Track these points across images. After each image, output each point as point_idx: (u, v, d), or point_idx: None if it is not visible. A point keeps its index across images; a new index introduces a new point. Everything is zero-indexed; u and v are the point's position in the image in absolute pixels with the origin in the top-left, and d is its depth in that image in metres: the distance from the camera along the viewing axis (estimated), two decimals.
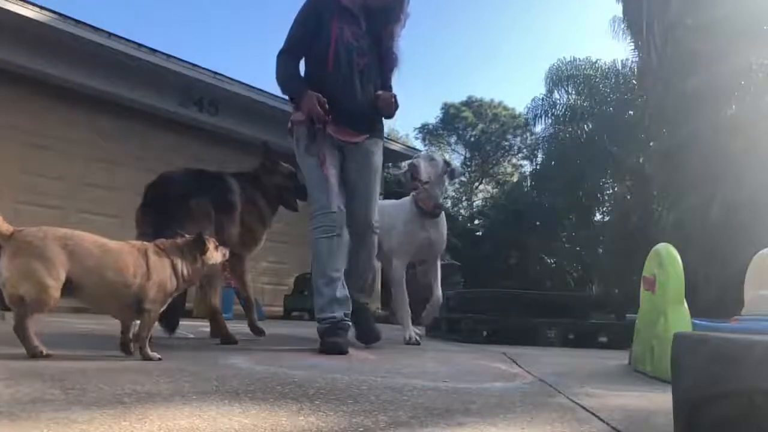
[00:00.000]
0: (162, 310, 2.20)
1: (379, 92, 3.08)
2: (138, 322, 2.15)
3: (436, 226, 3.91)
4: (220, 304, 3.26)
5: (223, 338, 3.18)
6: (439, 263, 4.08)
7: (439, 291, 4.01)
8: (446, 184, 4.02)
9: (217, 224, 3.28)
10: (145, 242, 2.20)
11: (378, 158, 3.16)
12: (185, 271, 2.19)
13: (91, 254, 1.98)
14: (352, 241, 3.07)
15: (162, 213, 2.79)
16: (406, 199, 4.00)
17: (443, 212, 4.05)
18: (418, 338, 3.67)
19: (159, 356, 2.08)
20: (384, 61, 3.16)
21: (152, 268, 2.08)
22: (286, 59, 3.05)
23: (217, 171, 3.56)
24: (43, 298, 1.87)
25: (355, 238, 3.10)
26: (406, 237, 3.89)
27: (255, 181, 3.54)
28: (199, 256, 2.23)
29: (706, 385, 1.02)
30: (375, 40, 3.11)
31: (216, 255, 2.32)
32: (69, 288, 1.96)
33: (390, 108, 3.11)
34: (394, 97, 3.10)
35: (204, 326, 3.63)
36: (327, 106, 2.88)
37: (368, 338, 3.13)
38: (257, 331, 3.52)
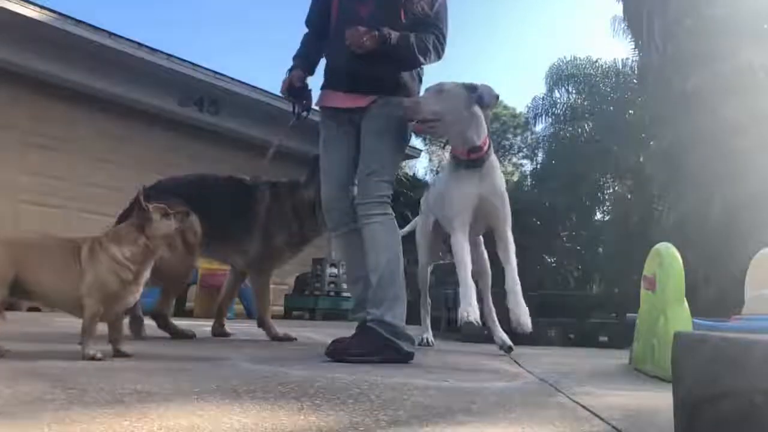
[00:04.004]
0: (128, 307, 2.19)
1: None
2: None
3: (486, 179, 2.84)
4: (167, 310, 3.23)
5: (170, 331, 3.17)
6: (510, 237, 2.97)
7: (513, 285, 2.93)
8: (473, 112, 2.75)
9: (227, 232, 3.23)
10: (87, 237, 2.10)
11: (383, 120, 2.59)
12: (127, 255, 2.01)
13: (37, 257, 2.02)
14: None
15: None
16: None
17: (491, 159, 2.88)
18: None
19: (101, 356, 1.98)
20: (396, 8, 2.57)
21: (84, 263, 2.01)
22: (302, 38, 2.87)
23: (251, 180, 3.42)
24: None
25: (359, 218, 2.60)
26: (454, 196, 2.90)
27: (290, 193, 3.40)
28: (139, 234, 2.04)
29: (707, 384, 1.02)
30: None
31: (165, 223, 2.08)
32: (23, 291, 2.01)
33: (357, 41, 2.43)
34: (367, 31, 2.44)
35: (204, 326, 3.64)
36: (300, 84, 2.74)
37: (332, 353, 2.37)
38: (282, 340, 3.36)
